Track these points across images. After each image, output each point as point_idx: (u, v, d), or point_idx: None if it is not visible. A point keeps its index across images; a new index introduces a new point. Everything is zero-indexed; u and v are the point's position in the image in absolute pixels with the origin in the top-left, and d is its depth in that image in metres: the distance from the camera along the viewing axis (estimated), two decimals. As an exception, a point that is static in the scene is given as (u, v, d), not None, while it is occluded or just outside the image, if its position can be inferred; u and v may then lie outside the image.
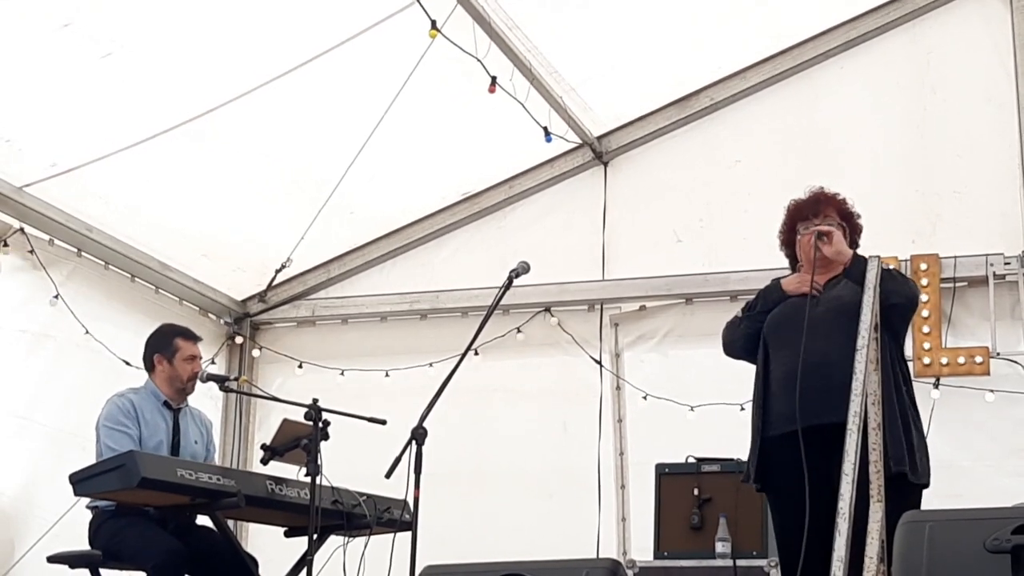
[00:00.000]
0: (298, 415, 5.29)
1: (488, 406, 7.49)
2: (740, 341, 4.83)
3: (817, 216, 4.78)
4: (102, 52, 5.76)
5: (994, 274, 6.64)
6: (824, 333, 4.41)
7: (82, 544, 5.47)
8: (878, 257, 4.51)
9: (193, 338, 5.83)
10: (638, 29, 6.78)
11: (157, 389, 5.69)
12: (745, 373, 6.48)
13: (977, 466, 6.40)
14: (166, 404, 5.67)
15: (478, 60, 6.36)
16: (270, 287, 8.00)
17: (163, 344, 5.76)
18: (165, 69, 5.99)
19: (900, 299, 4.55)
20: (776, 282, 4.84)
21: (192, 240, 7.34)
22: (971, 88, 6.97)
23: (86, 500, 5.47)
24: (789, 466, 4.34)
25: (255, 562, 5.53)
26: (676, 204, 7.44)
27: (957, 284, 6.67)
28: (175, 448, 5.62)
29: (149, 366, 5.76)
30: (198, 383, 5.76)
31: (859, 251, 4.74)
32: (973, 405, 6.55)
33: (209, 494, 5.11)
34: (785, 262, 6.94)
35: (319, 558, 5.18)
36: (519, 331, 7.52)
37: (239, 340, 8.04)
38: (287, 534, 5.76)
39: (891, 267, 4.67)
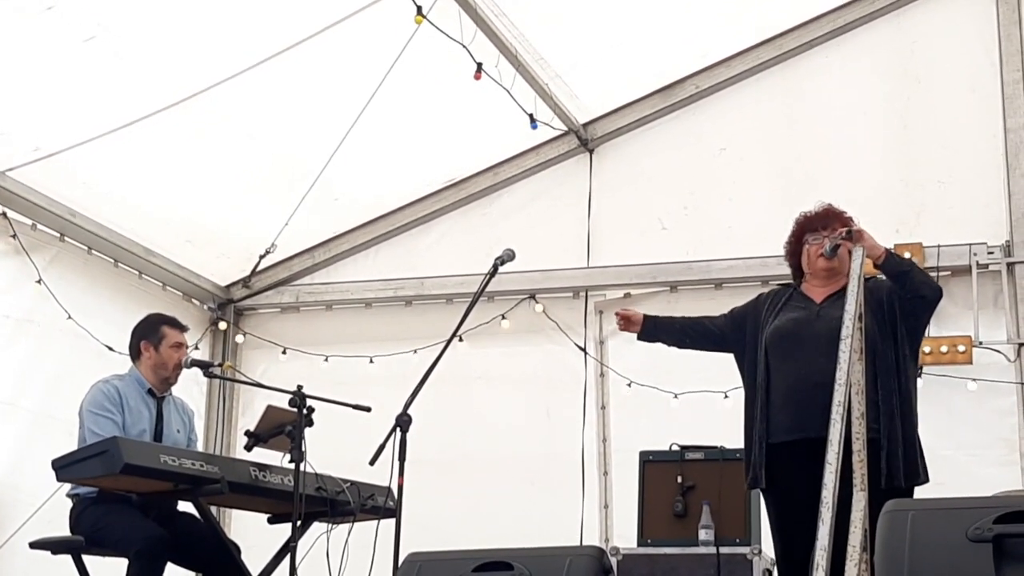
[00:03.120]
0: (282, 401, 5.28)
1: (472, 393, 7.49)
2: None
3: (826, 229, 4.89)
4: (85, 35, 5.72)
5: (977, 263, 6.67)
6: (825, 351, 4.42)
7: (66, 530, 5.45)
8: (862, 249, 4.53)
9: (180, 327, 5.82)
10: (624, 17, 6.78)
11: (142, 377, 5.67)
12: (729, 362, 6.50)
13: (959, 455, 6.42)
14: (150, 392, 5.66)
15: (464, 46, 6.35)
16: (254, 273, 7.98)
17: (150, 331, 5.74)
18: (149, 53, 5.96)
19: (929, 291, 4.74)
20: None
21: (176, 225, 7.31)
22: (956, 78, 6.99)
23: (68, 487, 5.45)
24: (790, 472, 4.57)
25: (237, 549, 5.52)
26: (661, 192, 7.45)
27: (940, 273, 6.66)
28: (158, 436, 5.60)
29: (135, 353, 5.74)
30: (185, 369, 5.74)
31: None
32: (955, 394, 6.58)
33: (192, 480, 5.10)
34: (766, 250, 7.02)
35: (303, 545, 5.17)
36: (504, 318, 7.52)
37: (223, 326, 8.03)
38: (271, 521, 5.75)
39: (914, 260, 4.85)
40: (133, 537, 5.13)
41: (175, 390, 5.84)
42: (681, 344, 5.31)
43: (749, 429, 4.89)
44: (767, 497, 4.85)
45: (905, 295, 4.71)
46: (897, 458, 4.57)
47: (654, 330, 5.25)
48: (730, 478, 5.46)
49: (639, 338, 5.28)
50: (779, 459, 4.69)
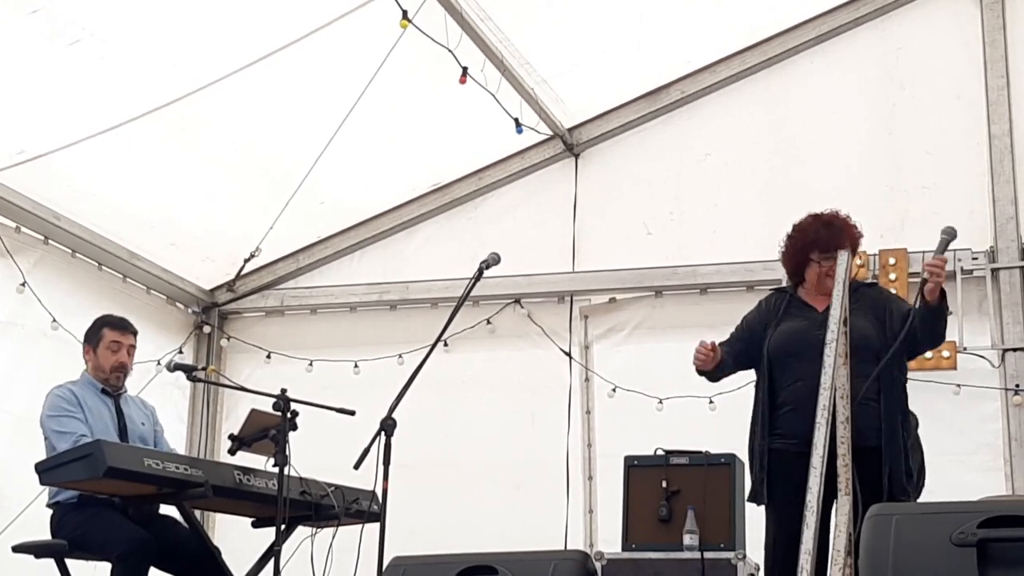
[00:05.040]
0: (266, 405, 5.26)
1: (457, 397, 7.48)
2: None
3: (840, 247, 4.86)
4: (71, 39, 5.72)
5: (962, 269, 6.68)
6: None
7: (48, 534, 5.43)
8: (848, 253, 4.55)
9: (121, 327, 5.68)
10: (609, 22, 6.79)
11: (91, 378, 5.62)
12: (714, 366, 6.49)
13: (943, 460, 6.39)
14: (105, 392, 5.60)
15: (449, 51, 6.35)
16: (239, 277, 7.96)
17: (91, 333, 5.66)
18: (134, 57, 5.95)
19: (939, 343, 4.92)
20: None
21: (160, 229, 7.29)
22: (940, 84, 7.01)
23: (48, 495, 5.42)
24: (794, 482, 4.47)
25: (218, 551, 5.49)
26: (646, 197, 7.46)
27: (925, 279, 6.70)
28: (123, 432, 5.54)
29: (84, 356, 5.70)
30: (168, 373, 5.71)
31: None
32: (940, 399, 6.58)
33: (176, 484, 5.08)
34: (751, 255, 7.02)
35: (287, 549, 5.16)
36: (489, 322, 7.52)
37: (207, 330, 8.00)
38: (255, 525, 5.73)
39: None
40: (116, 540, 5.11)
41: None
42: (733, 373, 5.21)
43: (753, 439, 4.91)
44: (768, 509, 4.86)
45: (920, 335, 4.74)
46: (899, 468, 4.63)
47: (722, 369, 5.13)
48: (715, 483, 5.45)
49: (710, 376, 5.15)
50: (780, 468, 4.72)
